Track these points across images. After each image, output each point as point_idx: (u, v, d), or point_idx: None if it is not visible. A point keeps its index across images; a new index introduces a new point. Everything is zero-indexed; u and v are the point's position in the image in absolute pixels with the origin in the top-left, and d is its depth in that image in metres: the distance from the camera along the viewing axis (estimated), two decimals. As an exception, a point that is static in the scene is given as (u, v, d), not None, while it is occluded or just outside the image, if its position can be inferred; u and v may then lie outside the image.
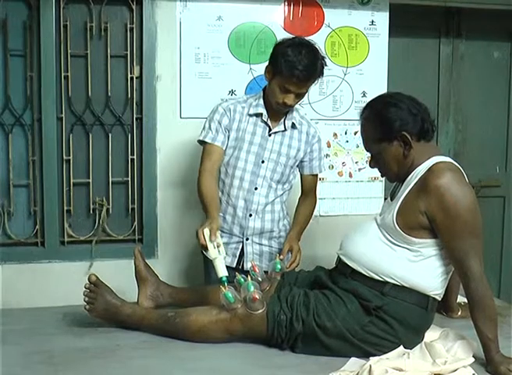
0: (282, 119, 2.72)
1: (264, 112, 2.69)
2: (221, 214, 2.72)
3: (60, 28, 3.23)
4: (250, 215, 2.72)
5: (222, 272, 2.27)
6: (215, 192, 2.64)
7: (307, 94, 2.72)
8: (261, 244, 2.77)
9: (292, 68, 2.49)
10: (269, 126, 2.71)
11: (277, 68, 2.54)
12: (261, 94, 2.72)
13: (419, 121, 2.09)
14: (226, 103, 2.74)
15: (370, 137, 2.16)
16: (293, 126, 2.74)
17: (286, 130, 2.73)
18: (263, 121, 2.70)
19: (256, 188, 2.71)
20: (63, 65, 3.26)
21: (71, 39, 3.26)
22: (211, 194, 2.59)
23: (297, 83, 2.53)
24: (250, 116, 2.70)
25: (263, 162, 2.71)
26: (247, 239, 2.75)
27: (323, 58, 2.60)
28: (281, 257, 2.52)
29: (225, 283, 2.20)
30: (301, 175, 2.87)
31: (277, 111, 2.67)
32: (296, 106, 2.75)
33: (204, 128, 2.71)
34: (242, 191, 2.71)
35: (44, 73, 3.22)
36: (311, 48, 2.56)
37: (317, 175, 2.89)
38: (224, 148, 2.69)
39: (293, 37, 2.66)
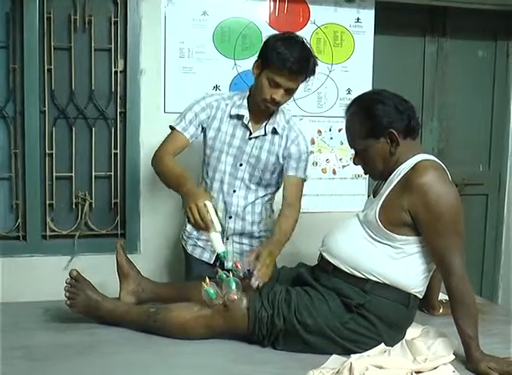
0: (264, 123, 2.62)
1: (246, 114, 2.60)
2: None
3: (44, 20, 3.20)
4: (230, 217, 2.68)
5: (221, 247, 2.26)
6: (183, 168, 2.48)
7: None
8: (241, 244, 2.74)
9: (284, 60, 2.39)
10: (250, 130, 2.62)
11: (267, 61, 2.44)
12: (247, 94, 2.62)
13: (406, 118, 2.10)
14: (211, 98, 2.66)
15: (356, 134, 2.15)
16: (274, 131, 2.63)
17: (266, 134, 2.62)
18: (244, 124, 2.62)
19: (234, 191, 2.66)
20: (46, 57, 3.23)
21: (55, 31, 3.23)
22: (181, 169, 2.45)
23: (288, 76, 2.42)
24: (232, 116, 2.62)
25: (241, 164, 2.63)
26: (227, 238, 2.71)
27: (315, 57, 2.52)
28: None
29: (224, 258, 2.23)
30: (283, 180, 2.69)
31: (264, 109, 2.54)
32: (283, 109, 2.67)
33: (180, 115, 2.63)
34: (221, 193, 2.66)
35: (27, 65, 3.19)
36: (303, 44, 2.48)
37: (300, 182, 2.67)
38: (190, 142, 2.61)
39: (284, 32, 2.59)
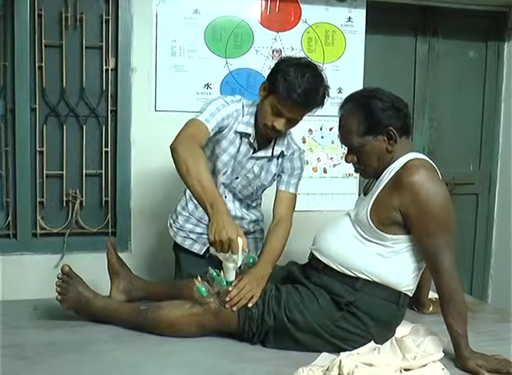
0: (272, 143, 2.51)
1: (253, 133, 2.46)
2: (200, 209, 2.56)
3: (35, 18, 3.18)
4: None
5: (233, 277, 2.17)
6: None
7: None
8: None
9: (290, 89, 2.24)
10: (255, 148, 2.51)
11: (274, 86, 2.28)
12: (255, 110, 2.48)
13: (403, 116, 2.10)
14: (234, 106, 2.45)
15: (353, 130, 2.11)
16: (282, 154, 2.54)
17: (272, 156, 2.53)
18: (249, 142, 2.49)
19: (225, 196, 2.59)
20: (37, 55, 3.22)
21: (46, 29, 3.22)
22: (212, 181, 2.17)
23: (292, 108, 2.28)
24: (239, 133, 2.48)
25: (237, 178, 2.55)
26: None
27: (327, 87, 2.36)
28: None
29: (229, 285, 2.15)
30: (275, 194, 2.59)
31: (264, 134, 2.44)
32: None
33: (207, 111, 2.35)
34: None
35: (17, 62, 3.18)
36: (317, 73, 2.32)
37: (291, 197, 2.57)
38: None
39: (300, 57, 2.40)
